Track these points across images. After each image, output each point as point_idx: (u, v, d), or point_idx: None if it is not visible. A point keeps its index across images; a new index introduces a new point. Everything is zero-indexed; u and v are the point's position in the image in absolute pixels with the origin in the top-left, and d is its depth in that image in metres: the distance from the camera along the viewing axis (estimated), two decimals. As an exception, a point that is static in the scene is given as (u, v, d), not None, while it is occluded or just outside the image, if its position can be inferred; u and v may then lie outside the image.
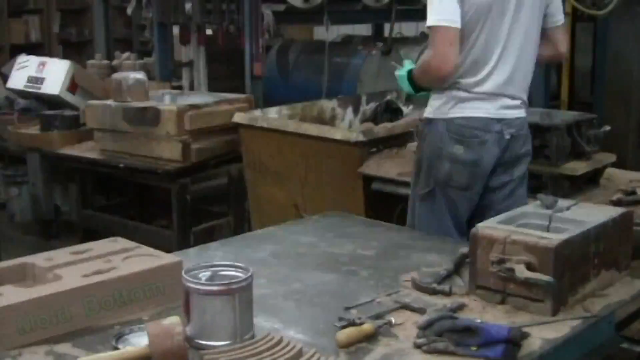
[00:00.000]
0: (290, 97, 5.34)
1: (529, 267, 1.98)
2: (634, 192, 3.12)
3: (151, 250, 2.22)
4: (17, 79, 5.96)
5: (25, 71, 5.92)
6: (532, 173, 3.08)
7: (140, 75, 4.98)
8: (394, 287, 2.19)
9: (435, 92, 2.90)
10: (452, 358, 1.77)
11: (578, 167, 3.20)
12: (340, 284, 2.25)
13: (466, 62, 2.80)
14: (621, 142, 5.61)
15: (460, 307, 2.01)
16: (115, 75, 5.08)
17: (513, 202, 2.77)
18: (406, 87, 2.98)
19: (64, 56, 8.64)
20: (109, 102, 4.93)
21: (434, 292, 2.12)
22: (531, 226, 2.19)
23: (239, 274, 1.87)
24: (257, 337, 1.79)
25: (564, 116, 3.41)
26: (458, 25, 2.70)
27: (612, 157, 3.41)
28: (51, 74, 5.78)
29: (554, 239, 2.00)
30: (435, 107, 2.88)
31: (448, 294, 2.12)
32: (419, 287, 2.16)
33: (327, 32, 5.74)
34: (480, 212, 2.84)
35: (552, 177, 3.12)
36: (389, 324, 1.92)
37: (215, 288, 1.82)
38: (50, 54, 8.65)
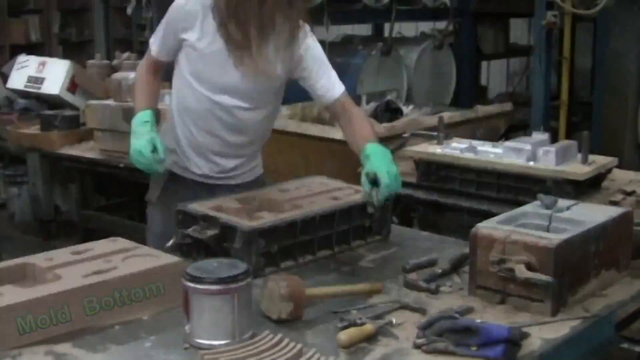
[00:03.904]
0: (290, 97, 5.33)
1: (529, 267, 1.98)
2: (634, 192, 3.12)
3: (151, 250, 2.22)
4: (17, 79, 5.96)
5: (25, 71, 5.92)
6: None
7: (140, 75, 4.97)
8: (394, 287, 2.19)
9: None
10: (452, 358, 1.77)
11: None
12: (340, 284, 2.25)
13: None
14: (619, 142, 5.63)
15: (468, 310, 2.01)
16: (115, 75, 5.08)
17: None
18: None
19: (64, 56, 8.63)
20: (109, 102, 4.92)
21: (422, 290, 2.14)
22: (531, 226, 2.19)
23: (238, 274, 1.87)
24: (257, 337, 1.79)
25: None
26: None
27: (614, 161, 3.36)
28: (51, 74, 5.78)
29: (554, 239, 2.00)
30: None
31: (435, 292, 2.13)
32: (409, 285, 2.18)
33: (327, 32, 5.74)
34: None
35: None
36: (390, 324, 1.92)
37: (214, 288, 1.82)
38: (50, 54, 8.64)
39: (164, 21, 2.69)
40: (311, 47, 2.64)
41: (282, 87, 2.74)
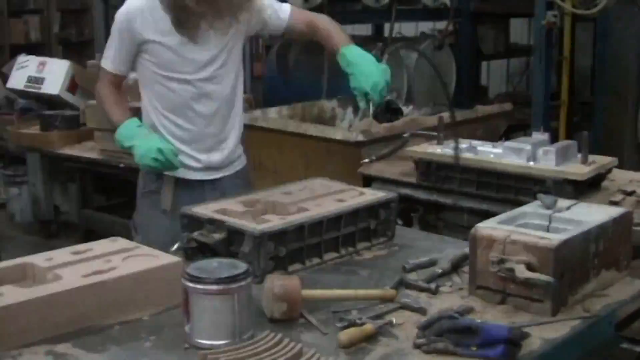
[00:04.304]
0: (290, 97, 5.34)
1: (529, 267, 1.98)
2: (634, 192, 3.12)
3: (151, 250, 2.22)
4: (17, 79, 5.97)
5: (25, 71, 5.93)
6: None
7: (140, 75, 4.97)
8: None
9: None
10: (452, 358, 1.77)
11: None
12: (340, 284, 2.25)
13: None
14: (619, 142, 5.63)
15: (468, 310, 2.01)
16: (115, 75, 5.07)
17: None
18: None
19: (64, 56, 8.63)
20: (109, 102, 4.92)
21: (422, 290, 2.14)
22: (531, 226, 2.19)
23: (238, 274, 1.87)
24: (257, 337, 1.79)
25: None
26: None
27: (614, 161, 3.36)
28: (51, 74, 5.79)
29: (554, 239, 2.00)
30: None
31: (435, 292, 2.13)
32: (407, 285, 2.18)
33: (327, 32, 5.73)
34: None
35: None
36: (390, 324, 1.92)
37: (214, 287, 1.82)
38: (50, 54, 8.64)
39: (114, 35, 2.78)
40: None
41: (240, 48, 2.86)
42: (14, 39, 9.58)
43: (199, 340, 1.84)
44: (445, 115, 4.29)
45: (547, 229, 2.19)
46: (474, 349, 1.76)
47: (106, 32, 8.28)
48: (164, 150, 2.61)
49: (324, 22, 2.93)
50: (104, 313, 1.97)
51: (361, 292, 2.09)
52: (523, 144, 3.25)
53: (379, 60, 2.73)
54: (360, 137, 3.95)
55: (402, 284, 2.17)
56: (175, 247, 2.36)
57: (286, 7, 2.89)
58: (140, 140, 2.66)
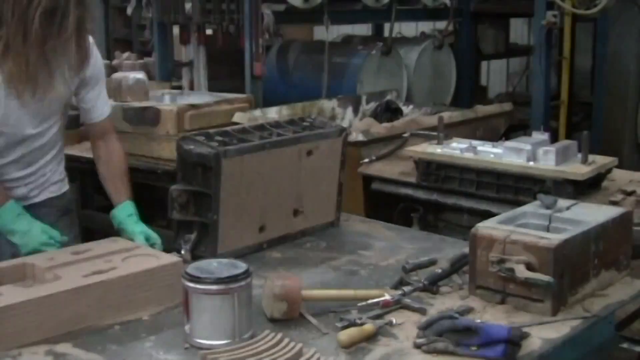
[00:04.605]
0: (290, 97, 5.34)
1: (529, 267, 1.98)
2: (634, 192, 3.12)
3: (151, 250, 2.23)
4: (17, 79, 5.95)
5: (25, 71, 5.91)
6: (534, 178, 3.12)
7: (140, 75, 4.96)
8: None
9: None
10: (452, 358, 1.77)
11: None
12: (340, 284, 2.25)
13: None
14: (619, 142, 5.63)
15: (468, 310, 2.01)
16: (115, 75, 5.07)
17: None
18: None
19: (64, 56, 8.60)
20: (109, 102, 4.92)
21: (422, 290, 2.14)
22: (531, 226, 2.19)
23: (238, 274, 1.87)
24: (257, 337, 1.79)
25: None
26: None
27: (614, 161, 3.36)
28: (51, 74, 5.77)
29: (554, 239, 2.01)
30: None
31: (435, 292, 2.14)
32: (407, 285, 2.17)
33: (327, 32, 5.74)
34: None
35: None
36: (390, 324, 1.92)
37: (214, 287, 1.83)
38: (50, 54, 8.61)
39: None
40: (97, 62, 2.67)
41: (68, 104, 2.71)
42: (14, 39, 9.56)
43: (199, 340, 1.84)
44: (446, 115, 4.30)
45: (547, 229, 2.19)
46: (474, 349, 1.76)
47: (106, 32, 8.31)
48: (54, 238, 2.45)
49: (117, 164, 2.85)
50: (104, 313, 1.97)
51: (361, 292, 2.09)
52: (523, 144, 3.25)
53: None
54: (360, 137, 3.94)
55: (402, 284, 2.17)
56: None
57: (108, 110, 2.80)
58: (24, 234, 2.42)
